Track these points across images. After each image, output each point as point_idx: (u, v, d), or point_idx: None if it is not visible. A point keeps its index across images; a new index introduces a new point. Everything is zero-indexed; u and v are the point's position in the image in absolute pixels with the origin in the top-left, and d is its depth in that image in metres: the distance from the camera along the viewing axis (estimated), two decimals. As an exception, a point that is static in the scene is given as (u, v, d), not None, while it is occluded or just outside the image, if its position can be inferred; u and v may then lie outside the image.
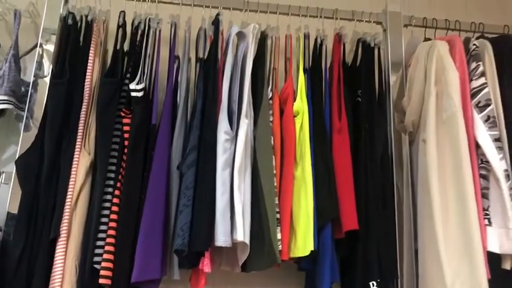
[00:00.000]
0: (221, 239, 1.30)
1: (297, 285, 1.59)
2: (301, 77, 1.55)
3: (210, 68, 1.48)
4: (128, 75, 1.47)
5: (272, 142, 1.47)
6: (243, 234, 1.31)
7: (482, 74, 1.48)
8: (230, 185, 1.35)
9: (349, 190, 1.42)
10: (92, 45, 1.50)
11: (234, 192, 1.33)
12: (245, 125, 1.40)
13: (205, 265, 1.32)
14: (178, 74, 1.56)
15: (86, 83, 1.46)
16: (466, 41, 1.56)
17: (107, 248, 1.29)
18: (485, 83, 1.46)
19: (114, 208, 1.34)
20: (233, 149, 1.38)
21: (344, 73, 1.60)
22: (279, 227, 1.40)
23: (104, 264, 1.28)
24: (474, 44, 1.54)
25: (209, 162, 1.36)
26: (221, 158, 1.36)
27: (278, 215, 1.41)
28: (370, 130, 1.51)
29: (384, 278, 1.38)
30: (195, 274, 1.40)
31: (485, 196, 1.38)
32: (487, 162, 1.39)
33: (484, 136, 1.40)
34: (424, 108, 1.48)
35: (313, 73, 1.59)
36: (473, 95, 1.46)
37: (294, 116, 1.50)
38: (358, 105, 1.57)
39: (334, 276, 1.40)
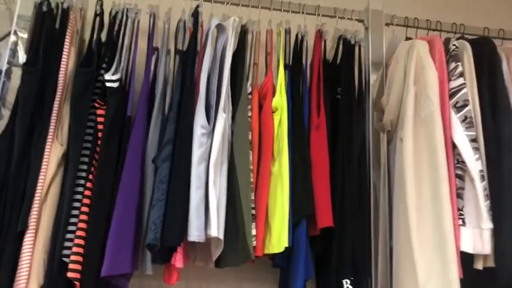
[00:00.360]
0: (194, 234, 1.28)
1: (272, 282, 1.58)
2: (281, 72, 1.53)
3: (188, 61, 1.46)
4: (104, 66, 1.44)
5: (250, 137, 1.45)
6: (217, 229, 1.29)
7: (461, 75, 1.48)
8: (205, 179, 1.33)
9: (325, 187, 1.42)
10: (67, 33, 1.46)
11: (209, 187, 1.32)
12: (222, 119, 1.38)
13: (178, 260, 1.30)
14: (156, 65, 1.53)
15: (60, 72, 1.42)
16: (446, 42, 1.56)
17: (76, 241, 1.26)
18: (464, 84, 1.47)
19: (86, 200, 1.31)
20: (209, 143, 1.36)
21: (324, 70, 1.59)
22: (254, 223, 1.38)
23: (73, 257, 1.25)
24: (454, 45, 1.54)
25: (184, 156, 1.33)
26: (197, 152, 1.34)
27: (254, 211, 1.39)
28: (348, 128, 1.51)
29: (358, 276, 1.38)
30: (167, 269, 1.38)
31: (460, 196, 1.38)
32: (463, 162, 1.39)
33: (461, 136, 1.41)
34: (403, 107, 1.48)
35: (294, 69, 1.58)
36: (452, 95, 1.46)
37: (273, 112, 1.49)
38: (338, 102, 1.57)
39: (308, 273, 1.39)
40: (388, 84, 1.59)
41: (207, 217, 1.31)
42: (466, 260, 1.36)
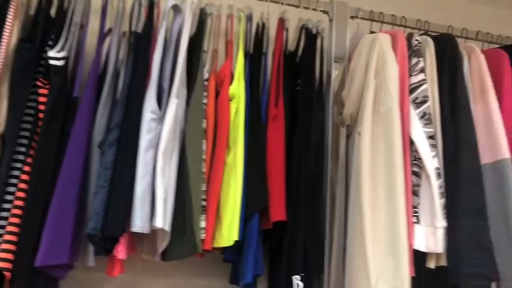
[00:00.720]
0: (138, 224, 1.21)
1: (222, 277, 1.52)
2: (241, 59, 1.47)
3: (142, 42, 1.38)
4: (50, 43, 1.34)
5: (204, 125, 1.39)
6: (162, 220, 1.22)
7: (422, 70, 1.46)
8: (153, 167, 1.26)
9: (280, 180, 1.37)
10: (11, 5, 1.36)
11: (157, 176, 1.25)
12: (174, 104, 1.31)
13: (120, 252, 1.23)
14: (109, 46, 1.45)
15: (1, 48, 1.32)
16: (409, 36, 1.54)
17: (9, 228, 1.18)
18: (424, 80, 1.44)
19: (22, 185, 1.22)
20: (159, 129, 1.29)
21: (285, 60, 1.54)
22: (204, 215, 1.32)
23: (4, 246, 1.16)
24: (417, 40, 1.51)
25: (131, 142, 1.26)
26: (145, 138, 1.26)
27: (204, 203, 1.33)
28: (306, 120, 1.46)
29: (309, 272, 1.34)
30: (110, 261, 1.31)
31: (415, 193, 1.35)
32: (420, 159, 1.36)
33: (419, 132, 1.38)
34: (363, 101, 1.45)
35: (254, 57, 1.52)
36: (412, 91, 1.44)
37: (230, 100, 1.43)
38: (298, 94, 1.52)
39: (258, 269, 1.34)
40: (350, 77, 1.55)
41: (153, 207, 1.24)
42: (422, 258, 1.34)
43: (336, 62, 1.64)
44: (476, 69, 1.52)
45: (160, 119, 1.30)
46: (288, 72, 1.54)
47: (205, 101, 1.41)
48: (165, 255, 1.30)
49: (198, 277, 1.56)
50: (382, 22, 1.72)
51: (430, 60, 1.49)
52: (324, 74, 1.61)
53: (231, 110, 1.41)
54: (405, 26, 1.74)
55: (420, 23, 1.74)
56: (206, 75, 1.45)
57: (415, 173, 1.37)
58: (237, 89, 1.42)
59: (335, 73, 1.63)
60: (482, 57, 1.53)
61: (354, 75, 1.52)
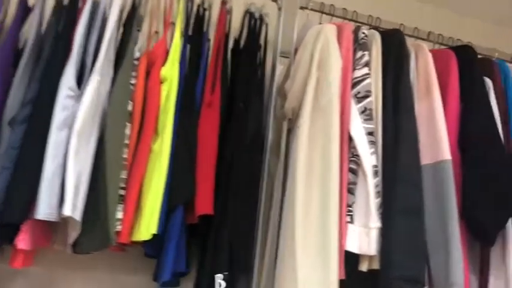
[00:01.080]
0: (43, 211, 1.09)
1: (145, 273, 1.41)
2: (177, 40, 1.37)
3: (66, 15, 1.27)
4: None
5: (130, 108, 1.28)
6: (71, 208, 1.11)
7: (367, 64, 1.39)
8: (65, 149, 1.14)
9: (209, 171, 1.28)
10: None
11: (69, 158, 1.13)
12: (95, 82, 1.20)
13: (21, 241, 1.11)
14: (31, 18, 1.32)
15: None
16: (356, 29, 1.47)
17: None
18: (368, 74, 1.38)
19: None
20: (77, 108, 1.18)
21: (227, 46, 1.45)
22: (121, 205, 1.21)
23: None
24: (363, 33, 1.45)
25: (43, 120, 1.14)
26: (59, 116, 1.15)
27: (123, 192, 1.22)
28: (243, 110, 1.37)
29: (235, 271, 1.25)
30: (13, 251, 1.18)
31: (351, 191, 1.29)
32: (358, 155, 1.30)
33: (358, 128, 1.31)
34: (304, 93, 1.37)
35: (192, 39, 1.42)
36: (354, 85, 1.37)
37: (161, 82, 1.32)
38: (238, 82, 1.43)
39: (179, 265, 1.24)
40: (294, 69, 1.48)
41: (62, 193, 1.12)
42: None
43: (282, 56, 1.57)
44: (422, 67, 1.47)
45: (79, 97, 1.19)
46: (231, 58, 1.45)
47: (133, 81, 1.31)
48: (75, 247, 1.18)
49: (120, 272, 1.45)
50: (332, 15, 1.65)
51: (376, 54, 1.43)
52: (267, 63, 1.53)
53: (162, 93, 1.30)
54: (356, 21, 1.67)
55: (371, 19, 1.68)
56: (137, 54, 1.34)
57: (352, 170, 1.30)
58: (170, 71, 1.32)
59: (280, 67, 1.56)
60: (429, 55, 1.48)
61: (298, 67, 1.44)
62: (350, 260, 1.26)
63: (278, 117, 1.52)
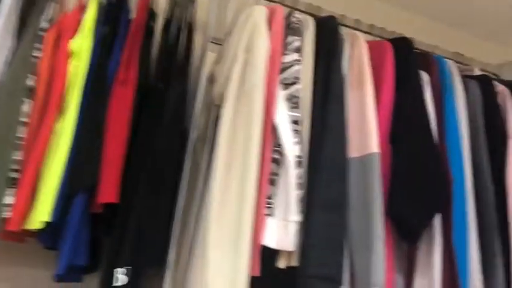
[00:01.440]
0: None
1: (45, 267, 1.28)
2: (93, 10, 1.25)
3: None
4: None
5: (31, 83, 1.16)
6: None
7: (297, 50, 1.31)
8: None
9: (118, 155, 1.16)
10: None
11: None
12: (-13, 50, 1.07)
13: None
14: None
15: None
16: (289, 14, 1.40)
17: None
18: (298, 60, 1.30)
19: None
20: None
21: (150, 24, 1.34)
22: (13, 189, 1.09)
23: None
24: (296, 18, 1.38)
25: None
26: None
27: (16, 174, 1.10)
28: (163, 91, 1.27)
29: (139, 266, 1.14)
30: None
31: (272, 183, 1.20)
32: (281, 145, 1.21)
33: (282, 116, 1.23)
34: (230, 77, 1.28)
35: (111, 13, 1.31)
36: (282, 71, 1.29)
37: (69, 56, 1.20)
38: (159, 62, 1.33)
39: (78, 258, 1.12)
40: (224, 52, 1.39)
41: None
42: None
43: (214, 42, 1.48)
44: (357, 57, 1.41)
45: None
46: (155, 37, 1.34)
47: (37, 54, 1.18)
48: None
49: (17, 265, 1.31)
50: (270, 1, 1.58)
51: (308, 40, 1.35)
52: (196, 45, 1.43)
53: (70, 68, 1.18)
54: (295, 9, 1.60)
55: (311, 8, 1.62)
56: (45, 25, 1.21)
57: (275, 161, 1.22)
58: (81, 43, 1.20)
59: (213, 54, 1.47)
60: (364, 45, 1.42)
61: (228, 50, 1.36)
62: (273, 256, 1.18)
63: (207, 103, 1.43)
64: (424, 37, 1.74)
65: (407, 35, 1.67)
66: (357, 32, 1.48)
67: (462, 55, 1.76)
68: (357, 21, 1.67)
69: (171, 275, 1.25)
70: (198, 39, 1.53)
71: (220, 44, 1.48)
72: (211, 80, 1.42)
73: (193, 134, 1.40)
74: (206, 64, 1.45)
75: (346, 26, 1.56)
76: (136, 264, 1.11)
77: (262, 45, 1.27)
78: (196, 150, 1.40)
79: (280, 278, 1.20)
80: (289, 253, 1.17)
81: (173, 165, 1.24)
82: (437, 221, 1.27)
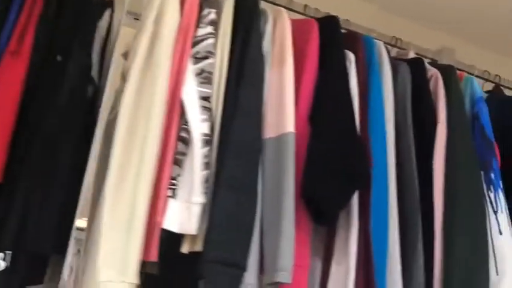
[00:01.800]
0: None
1: None
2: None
3: None
4: None
5: None
6: None
7: (212, 23, 1.24)
8: None
9: (3, 132, 1.06)
10: None
11: None
12: None
13: None
14: None
15: None
16: (207, -16, 1.32)
17: None
18: (212, 34, 1.22)
19: None
20: None
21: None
22: None
23: None
24: (214, -11, 1.30)
25: None
26: None
27: None
28: (61, 64, 1.17)
29: (27, 250, 1.04)
30: None
31: (178, 163, 1.12)
32: (188, 122, 1.14)
33: (191, 91, 1.16)
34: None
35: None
36: (194, 44, 1.21)
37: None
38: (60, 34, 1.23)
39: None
40: (138, 27, 1.30)
41: None
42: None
43: (136, 19, 1.39)
44: (279, 35, 1.34)
45: None
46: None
47: None
48: None
49: None
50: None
51: (226, 14, 1.27)
52: (105, 16, 1.34)
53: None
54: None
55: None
56: None
57: (183, 139, 1.14)
58: (-33, 10, 1.10)
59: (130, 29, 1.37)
60: (288, 22, 1.35)
61: (141, 23, 1.27)
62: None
63: (120, 79, 1.33)
64: (362, 21, 1.68)
65: (343, 17, 1.61)
66: (281, 8, 1.41)
67: (400, 39, 1.71)
68: (290, 1, 1.61)
69: (73, 259, 1.16)
70: (117, 13, 1.43)
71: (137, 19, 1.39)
72: (124, 54, 1.33)
73: (110, 115, 1.30)
74: (121, 39, 1.35)
75: (277, 4, 1.49)
76: (18, 249, 1.01)
77: (172, 16, 1.19)
78: (109, 132, 1.31)
79: (186, 263, 1.12)
80: (194, 237, 1.09)
81: (68, 149, 1.13)
82: (355, 207, 1.22)
